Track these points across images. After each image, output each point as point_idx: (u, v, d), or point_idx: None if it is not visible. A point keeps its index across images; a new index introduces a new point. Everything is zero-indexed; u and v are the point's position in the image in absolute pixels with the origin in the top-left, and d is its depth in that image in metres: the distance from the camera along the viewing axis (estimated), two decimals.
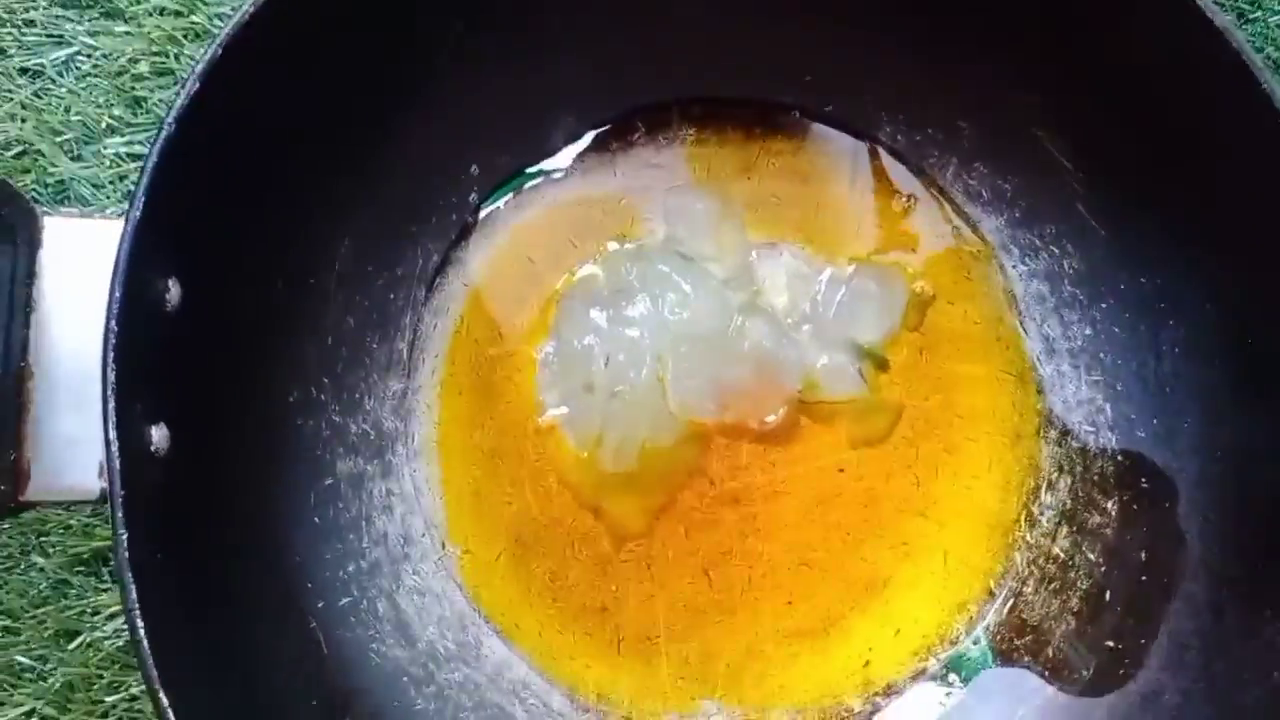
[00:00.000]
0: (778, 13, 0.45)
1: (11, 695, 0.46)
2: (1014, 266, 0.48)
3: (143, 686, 0.46)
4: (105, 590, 0.47)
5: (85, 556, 0.47)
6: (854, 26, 0.45)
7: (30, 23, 0.51)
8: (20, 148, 0.50)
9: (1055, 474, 0.47)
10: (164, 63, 0.50)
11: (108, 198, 0.50)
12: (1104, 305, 0.46)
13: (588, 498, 0.47)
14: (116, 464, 0.32)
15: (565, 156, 0.49)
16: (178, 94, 0.34)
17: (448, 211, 0.48)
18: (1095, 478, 0.46)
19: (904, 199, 0.49)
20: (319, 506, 0.44)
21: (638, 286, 0.47)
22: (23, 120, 0.50)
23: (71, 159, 0.50)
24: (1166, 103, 0.40)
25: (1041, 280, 0.48)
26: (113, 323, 0.33)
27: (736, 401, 0.47)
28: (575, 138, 0.49)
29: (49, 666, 0.47)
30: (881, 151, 0.49)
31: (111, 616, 0.47)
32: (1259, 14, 0.50)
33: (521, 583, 0.47)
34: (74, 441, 0.36)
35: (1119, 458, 0.46)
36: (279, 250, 0.42)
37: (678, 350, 0.47)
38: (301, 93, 0.39)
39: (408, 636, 0.45)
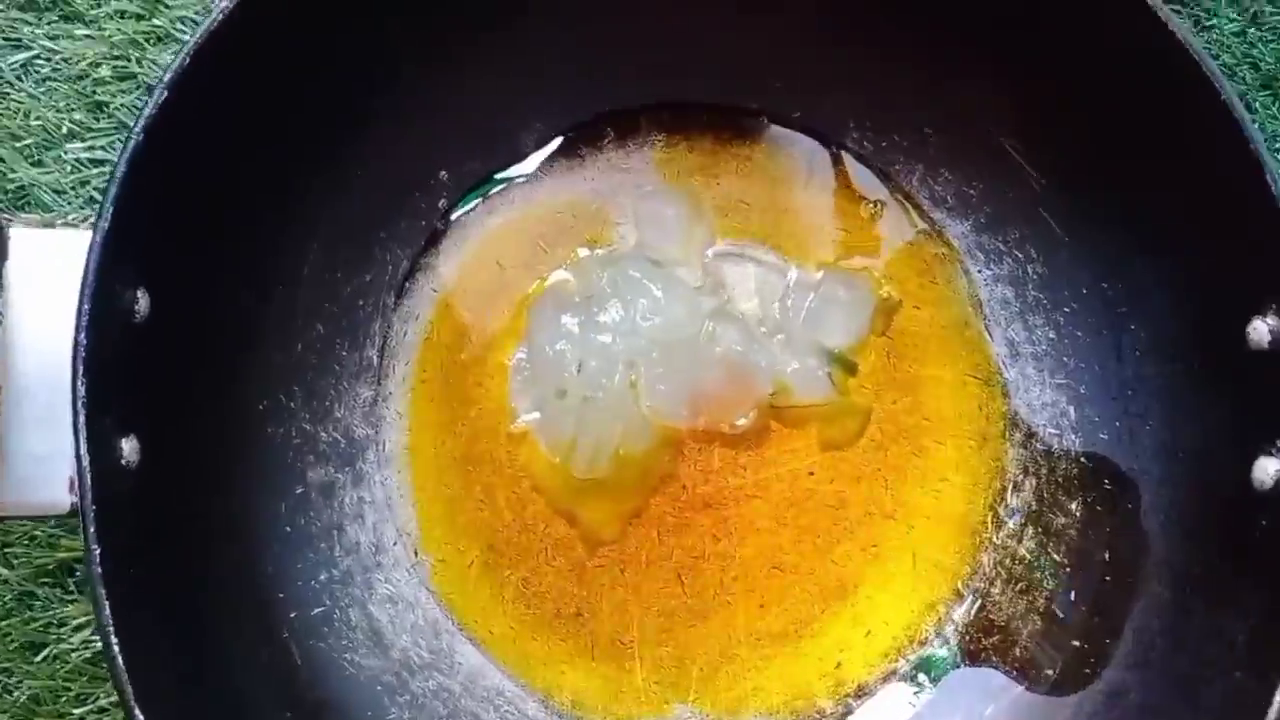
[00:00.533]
0: (746, 20, 0.45)
1: None
2: (979, 271, 0.49)
3: (111, 698, 0.46)
4: (72, 601, 0.47)
5: (50, 568, 0.47)
6: (822, 34, 0.45)
7: None
8: None
9: (1021, 476, 0.48)
10: (125, 67, 0.50)
11: (69, 203, 0.49)
12: (1067, 309, 0.47)
13: (561, 503, 0.47)
14: (88, 478, 0.32)
15: (534, 161, 0.49)
16: (145, 103, 0.34)
17: (417, 217, 0.48)
18: (1060, 479, 0.47)
19: (871, 204, 0.49)
20: (290, 515, 0.44)
21: (609, 292, 0.47)
22: None
23: (31, 164, 0.49)
24: (1126, 110, 0.41)
25: (1006, 285, 0.48)
26: (82, 335, 0.32)
27: (708, 406, 0.47)
28: (544, 143, 0.49)
29: (14, 680, 0.46)
30: (848, 157, 0.49)
31: (79, 628, 0.46)
32: (1214, 21, 0.51)
33: (495, 589, 0.47)
34: (43, 457, 0.36)
35: (1083, 459, 0.46)
36: (247, 258, 0.42)
37: (650, 355, 0.47)
38: (269, 101, 0.39)
39: (381, 645, 0.45)
